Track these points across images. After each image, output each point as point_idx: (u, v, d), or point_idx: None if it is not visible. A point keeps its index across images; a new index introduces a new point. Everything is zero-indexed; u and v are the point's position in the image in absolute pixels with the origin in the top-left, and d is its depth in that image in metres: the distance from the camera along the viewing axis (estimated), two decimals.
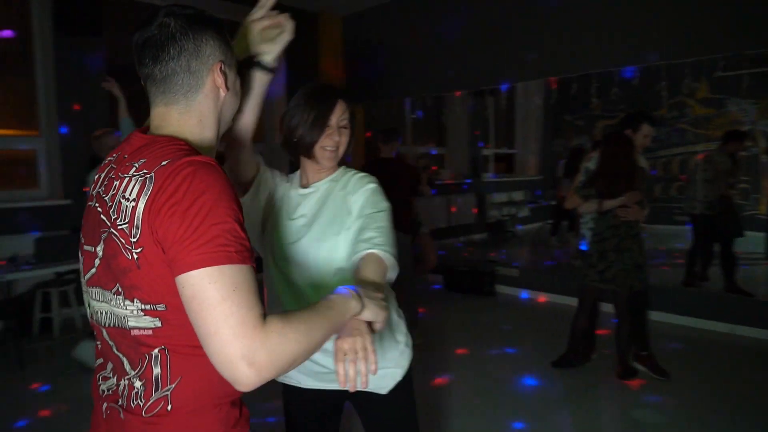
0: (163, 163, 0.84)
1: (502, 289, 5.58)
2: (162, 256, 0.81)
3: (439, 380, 3.43)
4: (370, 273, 1.21)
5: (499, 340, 4.13)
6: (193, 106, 0.95)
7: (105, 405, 0.94)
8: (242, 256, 0.81)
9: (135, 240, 0.83)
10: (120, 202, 0.86)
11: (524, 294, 5.44)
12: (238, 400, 0.96)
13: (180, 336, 0.87)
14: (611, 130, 3.99)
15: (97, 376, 0.99)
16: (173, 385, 0.87)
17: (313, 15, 6.55)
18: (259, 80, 1.23)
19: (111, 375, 0.94)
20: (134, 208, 0.83)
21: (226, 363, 0.77)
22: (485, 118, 8.95)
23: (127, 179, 0.87)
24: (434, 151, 9.29)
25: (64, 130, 4.76)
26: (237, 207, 0.84)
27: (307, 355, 0.85)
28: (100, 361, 0.99)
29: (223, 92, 0.98)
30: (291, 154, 1.48)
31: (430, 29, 5.92)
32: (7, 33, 4.88)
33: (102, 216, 0.90)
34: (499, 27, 5.30)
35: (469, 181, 9.07)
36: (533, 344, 4.03)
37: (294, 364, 0.83)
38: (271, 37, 1.21)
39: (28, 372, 3.59)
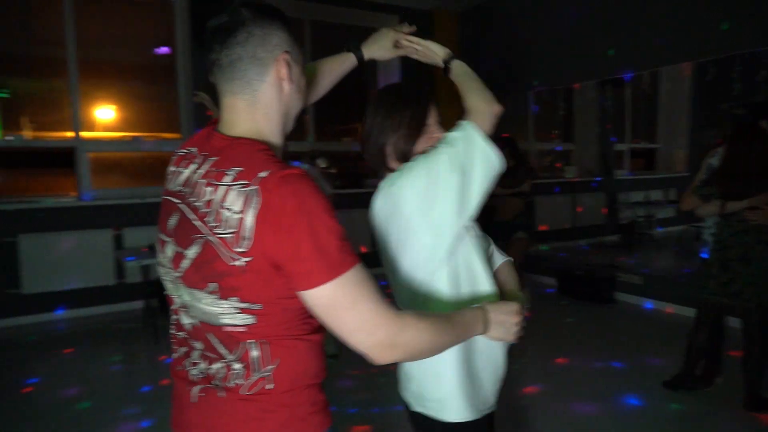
0: (261, 174, 0.86)
1: (623, 297, 5.11)
2: (270, 266, 0.86)
3: (528, 389, 3.25)
4: (511, 284, 1.34)
5: (606, 352, 3.79)
6: (258, 96, 0.96)
7: (198, 388, 0.97)
8: (354, 254, 0.88)
9: (242, 250, 0.85)
10: (219, 212, 0.87)
11: (648, 304, 4.92)
12: (322, 384, 1.01)
13: (274, 329, 0.91)
14: (743, 120, 3.45)
15: (184, 362, 1.01)
16: (273, 366, 0.92)
17: (428, 13, 6.56)
18: (347, 61, 1.37)
19: (201, 360, 0.97)
20: (241, 220, 0.85)
21: (372, 350, 0.89)
22: (619, 110, 8.23)
23: (224, 188, 0.88)
24: (560, 148, 8.79)
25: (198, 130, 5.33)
26: (331, 206, 0.88)
27: (430, 352, 0.98)
28: (183, 350, 1.01)
29: (287, 85, 0.98)
30: (375, 164, 1.33)
31: (550, 18, 5.61)
32: (165, 50, 5.59)
33: (195, 221, 0.91)
34: (623, 11, 4.85)
35: (598, 179, 8.43)
36: (646, 360, 3.64)
37: (421, 355, 0.98)
38: (395, 49, 1.40)
39: (161, 346, 4.08)
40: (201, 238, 0.90)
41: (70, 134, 5.01)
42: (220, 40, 0.95)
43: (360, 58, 1.38)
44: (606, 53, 5.04)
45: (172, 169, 1.03)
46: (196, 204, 0.92)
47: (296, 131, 4.13)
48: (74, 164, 5.01)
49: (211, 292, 0.90)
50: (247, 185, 0.86)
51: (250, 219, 0.84)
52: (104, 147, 5.28)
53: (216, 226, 0.87)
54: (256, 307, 0.89)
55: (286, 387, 0.93)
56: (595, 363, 3.63)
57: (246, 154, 0.91)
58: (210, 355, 0.95)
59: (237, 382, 0.92)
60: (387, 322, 0.89)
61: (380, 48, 1.40)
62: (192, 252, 0.92)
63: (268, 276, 0.86)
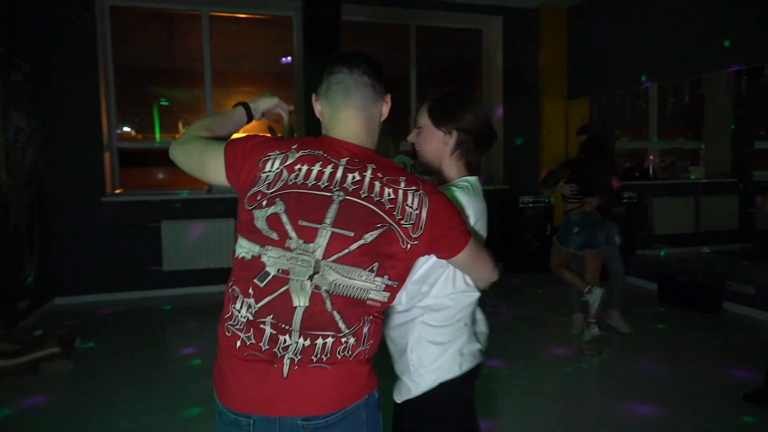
0: (420, 182, 1.19)
1: (734, 307, 4.71)
2: (425, 249, 1.19)
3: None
4: None
5: (698, 362, 3.60)
6: (374, 115, 1.26)
7: (288, 364, 1.11)
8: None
9: (416, 235, 1.15)
10: (405, 208, 1.15)
11: (761, 316, 4.50)
12: None
13: (383, 308, 1.20)
14: None
15: (281, 340, 1.12)
16: (372, 341, 1.19)
17: (535, 12, 6.52)
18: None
19: (299, 339, 1.11)
20: (419, 215, 1.16)
21: (490, 281, 1.42)
22: (759, 103, 7.39)
23: (403, 191, 1.16)
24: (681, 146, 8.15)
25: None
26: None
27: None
28: (269, 332, 1.13)
29: (385, 113, 1.31)
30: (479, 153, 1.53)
31: (659, 11, 5.32)
32: (287, 60, 6.29)
33: (379, 212, 1.13)
34: None
35: (732, 180, 7.67)
36: (732, 372, 3.41)
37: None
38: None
39: None
40: (384, 226, 1.13)
41: None
42: (350, 65, 1.22)
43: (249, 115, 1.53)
44: (721, 45, 4.68)
45: (294, 164, 1.17)
46: (375, 199, 1.14)
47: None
48: None
49: (371, 270, 1.12)
50: (417, 191, 1.18)
51: (424, 214, 1.16)
52: None
53: (401, 219, 1.14)
54: (395, 285, 1.17)
55: (370, 355, 1.19)
56: (678, 368, 3.48)
57: (391, 164, 1.21)
58: (315, 333, 1.11)
59: (344, 354, 1.13)
60: (490, 261, 1.38)
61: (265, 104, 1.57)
62: (370, 236, 1.12)
63: (416, 256, 1.19)
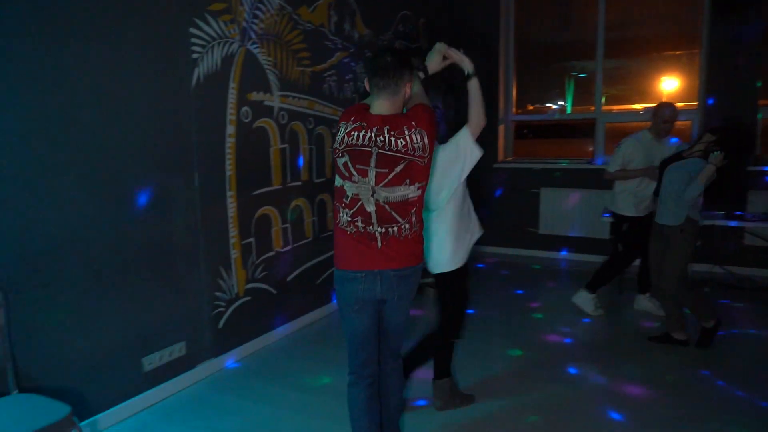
0: (415, 122, 1.91)
1: None
2: (431, 156, 1.93)
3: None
4: None
5: None
6: (398, 98, 1.96)
7: (380, 241, 1.91)
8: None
9: (426, 156, 1.91)
10: (414, 146, 1.89)
11: None
12: None
13: (422, 198, 1.96)
14: None
15: (368, 228, 1.90)
16: (419, 224, 1.98)
17: None
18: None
19: (380, 226, 1.90)
20: (423, 143, 1.90)
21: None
22: None
23: (408, 137, 1.88)
24: None
25: (711, 101, 5.20)
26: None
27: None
28: (365, 223, 1.91)
29: (407, 94, 1.99)
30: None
31: None
32: None
33: (398, 155, 1.86)
34: None
35: None
36: None
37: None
38: (444, 60, 2.40)
39: (623, 297, 4.57)
40: (404, 161, 1.88)
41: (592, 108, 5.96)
42: (382, 72, 1.91)
43: (426, 74, 2.30)
44: None
45: (351, 132, 1.91)
46: (394, 149, 1.87)
47: None
48: (594, 133, 5.94)
49: (405, 184, 1.89)
50: (417, 129, 1.89)
51: (426, 140, 1.90)
52: (619, 118, 5.96)
53: (413, 152, 1.88)
54: (423, 184, 1.94)
55: (420, 234, 1.99)
56: None
57: (399, 121, 1.90)
58: (386, 224, 1.91)
59: (405, 234, 1.94)
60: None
61: (434, 63, 2.36)
62: (399, 168, 1.88)
63: (430, 161, 1.93)
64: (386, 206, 1.89)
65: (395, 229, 1.91)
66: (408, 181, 1.88)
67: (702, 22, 5.27)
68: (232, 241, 3.30)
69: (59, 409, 1.86)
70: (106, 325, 2.57)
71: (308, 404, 2.78)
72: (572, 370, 3.17)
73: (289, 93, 3.68)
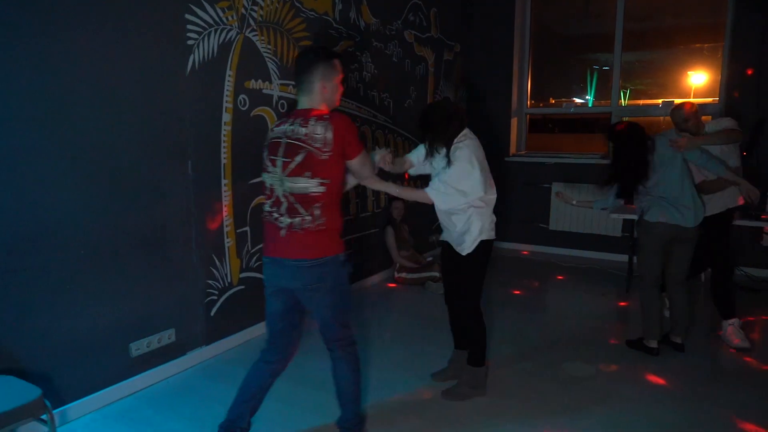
0: (326, 116, 2.00)
1: None
2: (337, 156, 1.97)
3: None
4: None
5: None
6: (315, 94, 2.06)
7: (284, 231, 2.01)
8: (364, 146, 2.09)
9: (327, 151, 1.95)
10: (314, 136, 1.96)
11: None
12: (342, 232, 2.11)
13: (329, 197, 2.00)
14: None
15: (275, 216, 2.03)
16: (325, 219, 2.01)
17: None
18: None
19: (285, 216, 2.01)
20: (325, 136, 1.96)
21: (369, 180, 2.27)
22: None
23: (311, 126, 1.96)
24: None
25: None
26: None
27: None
28: (275, 211, 2.05)
29: (325, 91, 2.07)
30: None
31: None
32: None
33: (301, 144, 1.95)
34: None
35: None
36: None
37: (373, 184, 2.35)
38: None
39: (630, 295, 4.44)
40: (304, 151, 1.96)
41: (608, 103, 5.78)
42: (298, 72, 2.06)
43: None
44: None
45: (274, 127, 2.10)
46: (297, 138, 1.97)
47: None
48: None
49: (306, 176, 1.96)
50: (323, 121, 1.97)
51: (330, 135, 1.96)
52: (636, 113, 5.78)
53: (313, 143, 1.95)
54: (328, 181, 1.97)
55: (328, 228, 2.01)
56: None
57: (306, 114, 2.02)
58: (291, 213, 2.00)
59: (307, 226, 2.00)
60: (372, 170, 2.22)
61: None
62: (299, 158, 1.97)
63: (334, 161, 1.96)
64: (290, 197, 1.99)
65: (298, 220, 2.00)
66: (309, 174, 1.95)
67: (727, 13, 5.07)
68: (226, 229, 3.29)
69: (30, 392, 1.87)
70: (93, 309, 2.59)
71: (297, 395, 2.76)
72: (567, 369, 3.09)
73: (289, 82, 3.64)
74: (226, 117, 3.23)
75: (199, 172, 3.07)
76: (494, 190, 2.62)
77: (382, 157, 2.41)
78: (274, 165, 2.02)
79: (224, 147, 3.23)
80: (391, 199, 4.88)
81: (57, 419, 2.35)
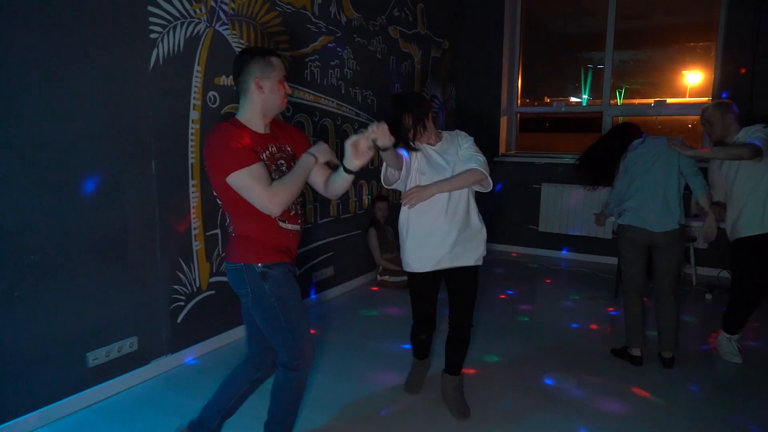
0: (214, 129, 1.91)
1: None
2: (212, 171, 1.85)
3: None
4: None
5: None
6: (246, 100, 1.91)
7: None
8: (241, 163, 1.83)
9: (208, 162, 1.87)
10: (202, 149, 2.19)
11: None
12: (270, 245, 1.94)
13: (230, 209, 1.92)
14: None
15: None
16: (234, 226, 1.95)
17: None
18: (346, 178, 1.96)
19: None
20: (206, 152, 1.88)
21: (266, 209, 1.83)
22: None
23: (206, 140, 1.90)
24: None
25: (725, 95, 4.87)
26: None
27: (293, 194, 1.86)
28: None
29: (260, 93, 1.89)
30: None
31: None
32: None
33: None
34: None
35: None
36: None
37: (292, 197, 1.85)
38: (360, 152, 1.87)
39: (618, 300, 4.31)
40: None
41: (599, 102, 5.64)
42: (235, 71, 1.91)
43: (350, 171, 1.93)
44: None
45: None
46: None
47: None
48: (600, 127, 5.64)
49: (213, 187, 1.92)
50: (215, 134, 1.86)
51: (205, 150, 1.87)
52: (627, 112, 5.64)
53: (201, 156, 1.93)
54: (216, 193, 1.92)
55: (240, 234, 1.92)
56: None
57: (217, 126, 1.88)
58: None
59: (229, 231, 1.98)
60: (265, 194, 1.79)
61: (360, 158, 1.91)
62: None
63: (219, 177, 1.81)
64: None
65: (229, 226, 2.01)
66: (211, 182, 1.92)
67: (720, 11, 4.93)
68: (195, 232, 3.15)
69: None
70: (45, 317, 2.44)
71: (264, 407, 2.62)
72: (548, 381, 2.95)
73: None
74: (195, 114, 3.09)
75: (164, 171, 2.93)
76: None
77: (324, 149, 2.01)
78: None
79: (192, 146, 3.09)
80: (375, 199, 4.74)
81: None
